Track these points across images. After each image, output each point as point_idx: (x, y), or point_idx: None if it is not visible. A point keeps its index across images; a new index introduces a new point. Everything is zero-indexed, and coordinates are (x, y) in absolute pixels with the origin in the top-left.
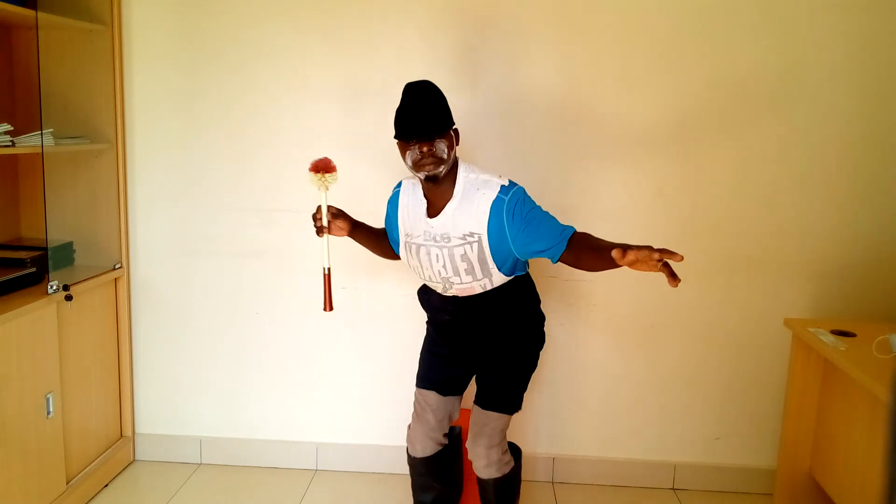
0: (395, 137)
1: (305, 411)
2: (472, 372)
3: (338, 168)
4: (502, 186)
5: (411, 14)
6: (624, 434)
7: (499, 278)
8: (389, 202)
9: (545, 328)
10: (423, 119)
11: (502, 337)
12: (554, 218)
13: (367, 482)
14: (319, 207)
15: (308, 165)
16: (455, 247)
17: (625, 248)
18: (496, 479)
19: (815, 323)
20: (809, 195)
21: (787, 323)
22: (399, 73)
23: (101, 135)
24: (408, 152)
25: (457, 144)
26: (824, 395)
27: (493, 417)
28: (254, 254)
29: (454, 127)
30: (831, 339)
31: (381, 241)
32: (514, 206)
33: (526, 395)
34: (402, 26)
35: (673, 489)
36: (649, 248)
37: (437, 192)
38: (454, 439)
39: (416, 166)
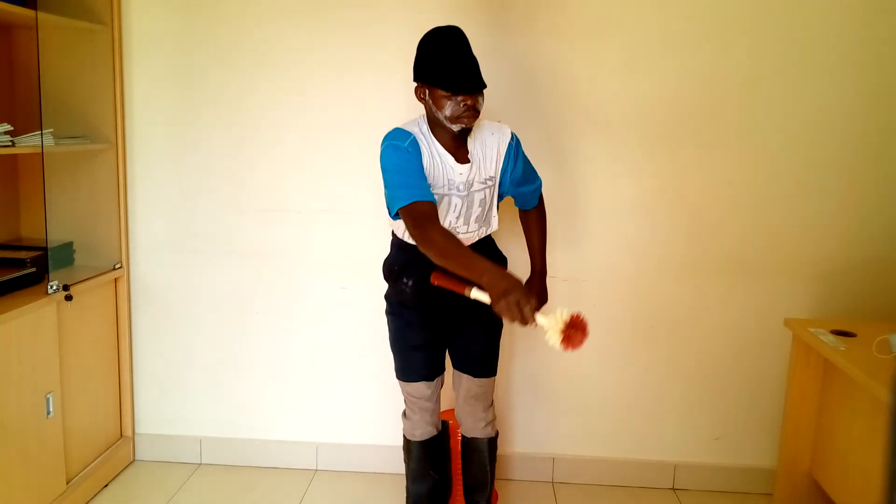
0: (439, 86)
1: (305, 411)
2: (446, 347)
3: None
4: (511, 132)
5: (412, 13)
6: (624, 434)
7: (494, 224)
8: (411, 149)
9: None
10: (475, 73)
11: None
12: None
13: (367, 482)
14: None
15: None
16: (476, 192)
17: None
18: (491, 439)
19: (815, 323)
20: (809, 195)
21: (787, 323)
22: (400, 71)
23: (101, 135)
24: (449, 103)
25: None
26: (824, 395)
27: (487, 382)
28: (254, 254)
29: None
30: (831, 339)
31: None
32: (519, 148)
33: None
34: (403, 25)
35: (673, 489)
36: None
37: (458, 141)
38: (445, 430)
39: (455, 119)
